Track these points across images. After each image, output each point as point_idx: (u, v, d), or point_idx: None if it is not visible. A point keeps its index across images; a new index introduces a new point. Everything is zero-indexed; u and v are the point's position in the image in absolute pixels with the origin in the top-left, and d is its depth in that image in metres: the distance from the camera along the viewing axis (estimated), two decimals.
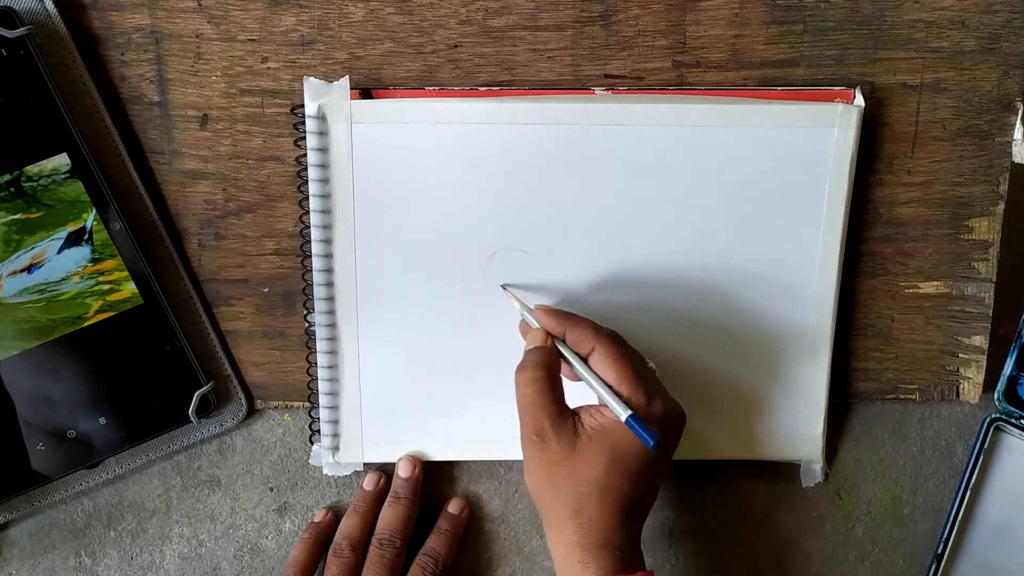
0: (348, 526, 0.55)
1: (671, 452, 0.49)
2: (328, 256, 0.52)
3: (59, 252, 0.51)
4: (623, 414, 0.45)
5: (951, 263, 0.56)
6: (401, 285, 0.53)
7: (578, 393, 0.48)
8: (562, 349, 0.48)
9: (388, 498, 0.55)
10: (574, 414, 0.47)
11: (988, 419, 0.56)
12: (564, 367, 0.49)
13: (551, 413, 0.46)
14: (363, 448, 0.55)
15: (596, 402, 0.47)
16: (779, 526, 0.58)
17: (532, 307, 0.50)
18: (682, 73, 0.53)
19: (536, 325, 0.49)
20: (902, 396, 0.57)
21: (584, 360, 0.48)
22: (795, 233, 0.53)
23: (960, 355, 0.57)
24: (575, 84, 0.53)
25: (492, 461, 0.57)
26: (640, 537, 0.47)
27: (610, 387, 0.46)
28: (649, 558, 0.47)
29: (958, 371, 0.57)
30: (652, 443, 0.44)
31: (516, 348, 0.53)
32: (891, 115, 0.54)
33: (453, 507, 0.57)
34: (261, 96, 0.52)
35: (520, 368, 0.48)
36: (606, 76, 0.53)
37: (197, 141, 0.53)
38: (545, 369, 0.47)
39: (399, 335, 0.54)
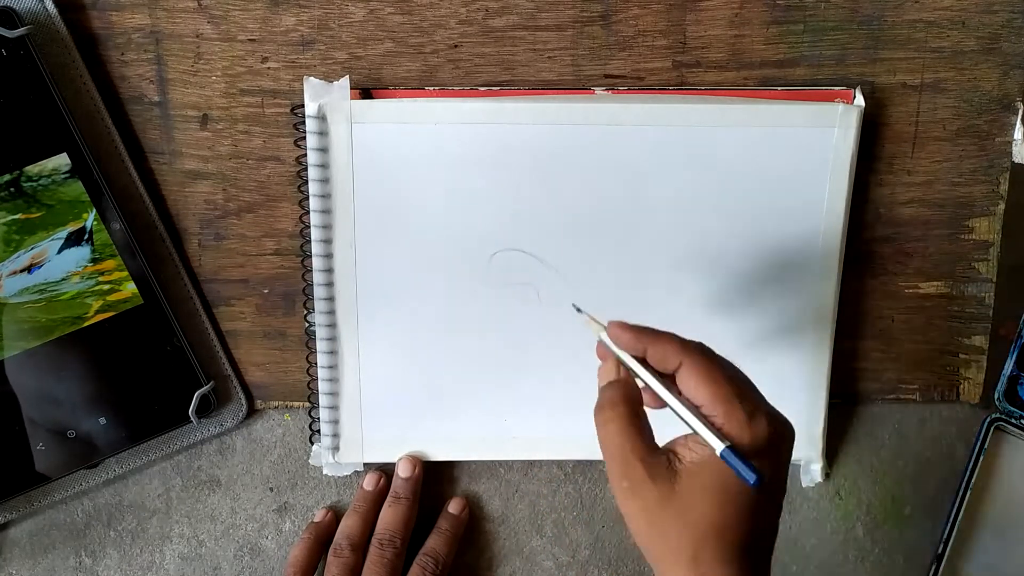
0: (348, 526, 0.55)
1: (785, 472, 0.42)
2: (328, 256, 0.52)
3: (59, 252, 0.51)
4: (718, 447, 0.38)
5: (951, 263, 0.56)
6: (401, 285, 0.53)
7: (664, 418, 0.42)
8: (641, 372, 0.42)
9: (388, 498, 0.55)
10: (667, 451, 0.40)
11: (988, 419, 0.56)
12: (646, 395, 0.42)
13: (640, 454, 0.39)
14: (363, 448, 0.55)
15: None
16: (779, 526, 0.58)
17: (605, 324, 0.43)
18: (682, 73, 0.53)
19: (614, 347, 0.42)
20: (902, 396, 0.57)
21: (670, 380, 0.41)
22: (795, 233, 0.53)
23: (960, 355, 0.57)
24: (575, 84, 0.53)
25: (492, 461, 0.57)
26: None
27: (702, 412, 0.39)
28: None
29: (958, 371, 0.57)
30: (753, 480, 0.37)
31: (516, 348, 0.54)
32: (891, 115, 0.54)
33: (453, 507, 0.57)
34: (261, 96, 0.52)
35: (597, 408, 0.42)
36: (606, 76, 0.53)
37: (197, 141, 0.53)
38: (624, 404, 0.41)
39: (399, 335, 0.54)
